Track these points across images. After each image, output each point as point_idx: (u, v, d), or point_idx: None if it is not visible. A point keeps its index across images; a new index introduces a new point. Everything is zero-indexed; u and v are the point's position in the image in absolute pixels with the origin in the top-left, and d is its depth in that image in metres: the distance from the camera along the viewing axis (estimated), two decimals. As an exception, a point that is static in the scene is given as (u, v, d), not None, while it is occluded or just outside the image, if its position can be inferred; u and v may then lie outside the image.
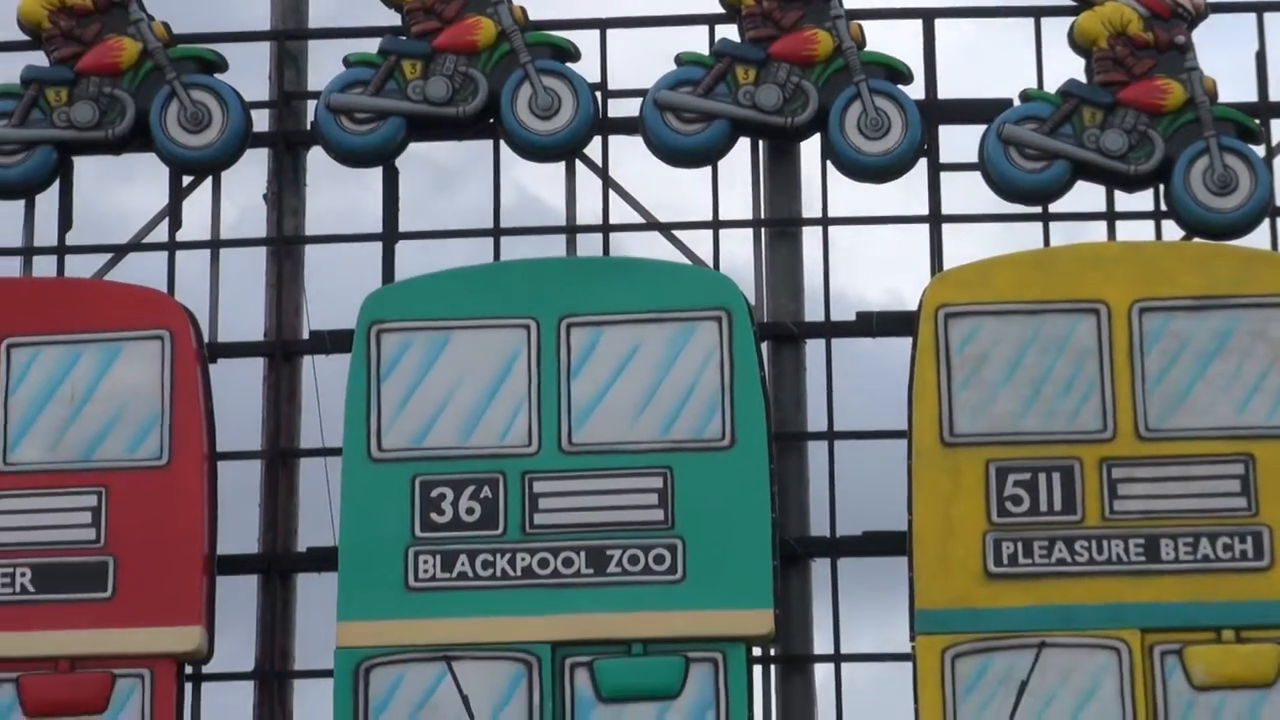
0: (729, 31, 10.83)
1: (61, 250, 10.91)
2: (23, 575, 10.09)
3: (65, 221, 10.94)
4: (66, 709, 9.97)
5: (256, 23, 11.39)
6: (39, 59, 10.99)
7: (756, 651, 10.11)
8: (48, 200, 10.96)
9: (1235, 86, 10.83)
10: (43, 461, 10.30)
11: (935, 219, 10.74)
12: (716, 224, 10.80)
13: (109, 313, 10.50)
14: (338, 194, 11.79)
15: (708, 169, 10.85)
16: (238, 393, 10.78)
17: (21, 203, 10.96)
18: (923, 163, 10.75)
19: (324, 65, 11.13)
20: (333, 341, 10.64)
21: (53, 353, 10.40)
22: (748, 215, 10.85)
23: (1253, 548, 9.87)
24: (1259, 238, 10.63)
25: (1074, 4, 10.76)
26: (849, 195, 10.91)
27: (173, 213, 10.93)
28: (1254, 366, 10.10)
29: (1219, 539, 9.92)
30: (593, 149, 10.86)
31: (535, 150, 10.79)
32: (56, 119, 10.80)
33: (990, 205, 10.80)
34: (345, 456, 10.27)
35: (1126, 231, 10.76)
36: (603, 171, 10.85)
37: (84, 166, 11.10)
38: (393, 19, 10.89)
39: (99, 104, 10.82)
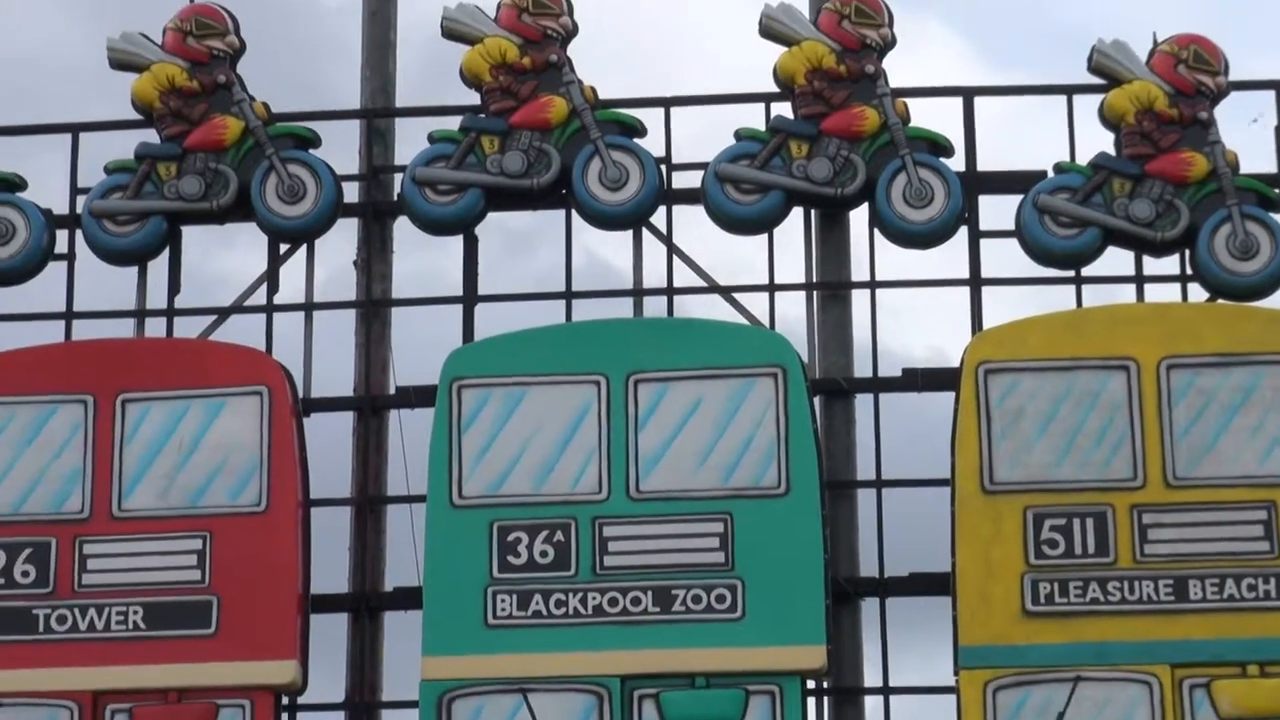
0: (783, 109, 10.93)
1: (170, 313, 11.05)
2: (135, 613, 10.19)
3: (174, 286, 11.09)
4: (176, 736, 10.29)
5: (348, 102, 11.50)
6: (151, 136, 11.07)
7: (811, 684, 10.14)
8: (158, 266, 11.09)
9: (1255, 158, 10.86)
10: (153, 508, 10.39)
11: (975, 282, 10.82)
12: (772, 287, 10.89)
13: (213, 370, 10.61)
14: (421, 259, 11.74)
15: (764, 236, 10.93)
16: (329, 444, 10.86)
17: (135, 269, 11.08)
18: (963, 229, 10.82)
19: (409, 141, 11.25)
20: (417, 396, 10.67)
21: (163, 407, 10.51)
22: (801, 279, 10.95)
23: (1276, 588, 9.90)
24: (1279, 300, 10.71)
25: (1104, 83, 10.81)
26: (895, 259, 10.97)
27: (271, 278, 11.07)
28: (1276, 420, 10.12)
29: (1244, 580, 9.92)
30: (657, 217, 10.97)
31: (604, 219, 10.92)
32: (166, 191, 10.91)
33: (1026, 269, 10.87)
34: (429, 503, 10.35)
35: (1154, 294, 10.82)
36: (667, 239, 10.97)
37: (191, 235, 11.22)
38: (473, 98, 11.01)
39: (205, 177, 10.93)
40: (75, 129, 11.25)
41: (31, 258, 11.04)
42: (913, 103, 10.92)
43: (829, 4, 11.00)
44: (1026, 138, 11.71)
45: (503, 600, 10.09)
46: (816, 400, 10.57)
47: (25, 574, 10.27)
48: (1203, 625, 9.88)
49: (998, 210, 10.92)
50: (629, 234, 11.01)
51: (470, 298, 10.94)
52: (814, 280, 10.96)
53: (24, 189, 11.19)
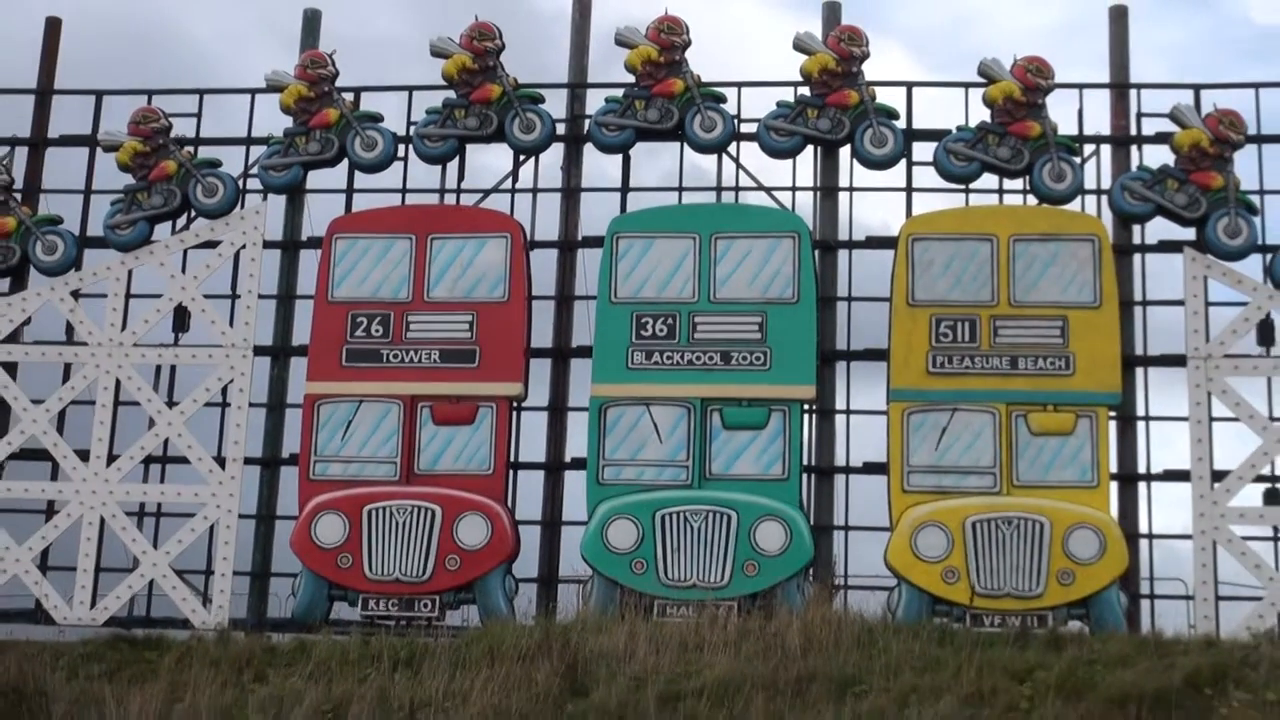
0: (804, 91, 13.40)
1: (459, 190, 13.70)
2: (435, 354, 12.84)
3: (461, 175, 13.73)
4: (455, 421, 12.70)
5: (560, 78, 13.97)
6: (452, 94, 13.69)
7: (806, 407, 12.63)
8: (451, 166, 13.69)
9: (1068, 125, 13.22)
10: (446, 297, 12.89)
11: (909, 190, 13.35)
12: (794, 188, 13.40)
13: (481, 223, 13.16)
14: (599, 165, 13.98)
15: (791, 160, 13.34)
16: (543, 266, 13.48)
17: (439, 167, 13.69)
18: (903, 161, 13.28)
19: (595, 101, 13.79)
20: (593, 242, 12.96)
21: (452, 244, 13.07)
22: (811, 184, 13.41)
23: (1065, 364, 12.40)
24: (1076, 205, 13.09)
25: (986, 81, 13.27)
26: (864, 175, 13.49)
27: (514, 174, 13.67)
28: (1069, 272, 12.51)
29: (1048, 358, 12.39)
30: (732, 148, 13.39)
31: (702, 147, 13.44)
32: (459, 125, 13.62)
33: (937, 184, 13.30)
34: (598, 300, 12.81)
35: (1009, 199, 13.18)
36: (735, 159, 13.54)
37: (470, 149, 13.76)
38: (629, 79, 13.53)
39: (480, 118, 13.58)
40: (411, 89, 13.86)
41: (385, 159, 13.57)
42: (879, 90, 13.32)
43: (833, 32, 13.38)
44: (941, 111, 13.53)
45: (637, 354, 12.54)
46: (816, 252, 12.94)
47: (376, 330, 12.86)
48: (1024, 382, 12.43)
49: (924, 150, 13.26)
50: (715, 156, 13.40)
51: (624, 188, 13.46)
52: (818, 185, 13.35)
53: (382, 121, 13.73)
